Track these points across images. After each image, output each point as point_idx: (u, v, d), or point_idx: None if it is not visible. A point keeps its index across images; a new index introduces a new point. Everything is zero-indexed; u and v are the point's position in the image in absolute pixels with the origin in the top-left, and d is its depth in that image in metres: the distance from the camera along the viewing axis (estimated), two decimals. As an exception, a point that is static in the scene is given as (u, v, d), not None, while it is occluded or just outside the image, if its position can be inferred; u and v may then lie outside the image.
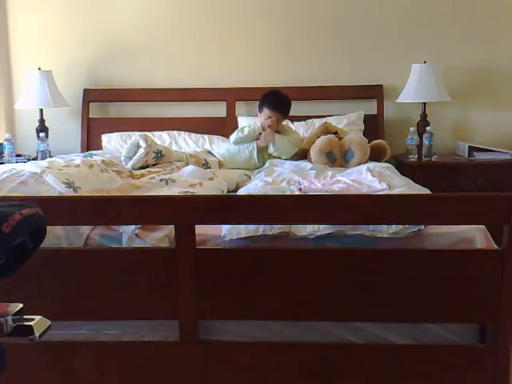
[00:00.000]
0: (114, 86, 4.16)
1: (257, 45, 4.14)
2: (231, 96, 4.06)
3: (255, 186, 2.69)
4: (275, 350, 2.06)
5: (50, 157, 3.66)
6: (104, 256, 2.07)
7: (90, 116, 4.17)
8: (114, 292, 2.04)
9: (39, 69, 4.01)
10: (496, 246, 2.07)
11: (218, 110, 4.10)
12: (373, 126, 3.95)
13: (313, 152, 3.35)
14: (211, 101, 4.12)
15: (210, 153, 3.64)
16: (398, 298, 1.98)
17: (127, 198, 2.16)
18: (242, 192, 2.66)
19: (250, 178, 3.15)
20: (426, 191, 2.51)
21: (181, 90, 4.08)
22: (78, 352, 2.09)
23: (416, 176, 3.33)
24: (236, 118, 4.05)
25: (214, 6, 4.13)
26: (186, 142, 3.88)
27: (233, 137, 3.59)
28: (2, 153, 3.91)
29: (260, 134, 3.54)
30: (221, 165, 3.46)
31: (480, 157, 3.84)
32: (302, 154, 3.52)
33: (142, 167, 3.20)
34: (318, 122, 3.81)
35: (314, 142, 3.40)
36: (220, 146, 3.76)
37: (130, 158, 3.23)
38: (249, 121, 3.79)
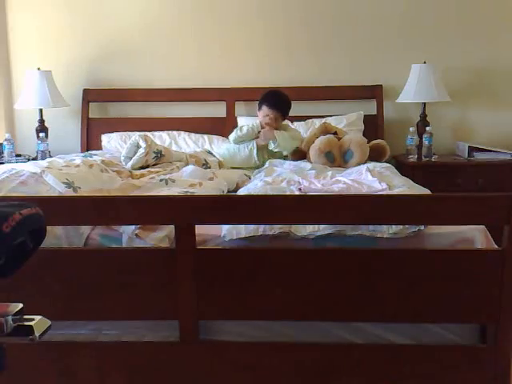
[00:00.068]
0: (114, 86, 4.16)
1: (257, 45, 4.14)
2: (231, 96, 4.07)
3: (255, 186, 2.68)
4: (275, 350, 2.06)
5: (50, 157, 3.66)
6: (104, 256, 2.07)
7: (90, 116, 4.17)
8: (114, 292, 2.04)
9: (39, 69, 4.01)
10: (496, 246, 2.07)
11: (217, 110, 4.10)
12: (372, 126, 3.96)
13: (312, 152, 3.35)
14: (211, 101, 4.12)
15: (209, 153, 3.64)
16: (398, 298, 1.98)
17: (127, 198, 2.16)
18: (241, 192, 2.66)
19: (249, 178, 3.15)
20: (426, 191, 2.51)
21: (181, 90, 4.08)
22: (78, 352, 2.09)
23: (416, 176, 3.33)
24: (236, 118, 4.05)
25: (214, 7, 4.13)
26: (185, 142, 3.88)
27: (232, 136, 3.59)
28: (2, 153, 3.91)
29: (259, 132, 3.54)
30: (221, 165, 3.46)
31: (480, 157, 3.84)
32: (301, 154, 3.52)
33: (142, 167, 3.19)
34: (318, 122, 3.81)
35: (313, 142, 3.40)
36: (220, 146, 3.77)
37: (130, 158, 3.23)
38: (249, 121, 3.79)
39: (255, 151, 3.51)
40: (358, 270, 1.99)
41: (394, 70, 4.06)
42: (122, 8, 4.15)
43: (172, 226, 2.05)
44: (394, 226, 2.05)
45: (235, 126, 3.86)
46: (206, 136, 3.93)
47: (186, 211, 1.95)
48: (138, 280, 2.02)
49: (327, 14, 4.10)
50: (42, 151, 3.87)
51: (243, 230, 2.09)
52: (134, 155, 3.23)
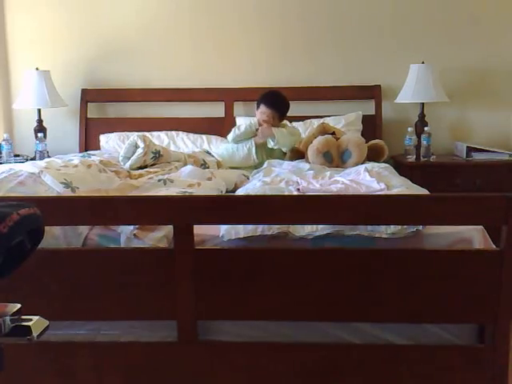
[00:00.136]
0: (112, 86, 4.16)
1: (256, 45, 4.14)
2: (229, 96, 4.07)
3: (254, 186, 2.68)
4: (274, 350, 2.06)
5: (48, 157, 3.66)
6: (102, 256, 2.07)
7: (88, 116, 4.17)
8: (113, 292, 2.03)
9: (37, 69, 4.01)
10: (494, 247, 2.07)
11: (216, 110, 4.10)
12: (371, 127, 3.96)
13: (310, 152, 3.34)
14: (209, 101, 4.12)
15: (208, 153, 3.64)
16: (397, 298, 1.98)
17: (125, 199, 2.15)
18: (240, 192, 2.66)
19: (248, 179, 3.15)
20: (425, 191, 2.52)
21: (179, 90, 4.08)
22: (76, 352, 2.09)
23: (414, 176, 3.34)
24: (234, 118, 4.05)
25: (212, 7, 4.13)
26: (184, 143, 3.88)
27: (230, 135, 3.60)
28: (0, 153, 3.91)
29: (257, 129, 3.55)
30: (219, 165, 3.46)
31: (478, 157, 3.85)
32: (299, 154, 3.52)
33: (140, 167, 3.19)
34: (316, 123, 3.81)
35: (311, 143, 3.40)
36: (218, 147, 3.77)
37: (128, 158, 3.23)
38: (247, 121, 3.78)
39: (254, 149, 3.51)
40: (357, 270, 1.99)
41: (393, 70, 4.06)
42: (120, 8, 4.15)
43: (170, 226, 2.05)
44: (392, 226, 2.05)
45: (234, 126, 3.85)
46: (204, 136, 3.93)
47: (185, 211, 1.95)
48: (136, 280, 2.02)
49: (325, 14, 4.10)
50: (40, 151, 3.87)
51: (242, 230, 2.09)
52: (132, 155, 3.23)
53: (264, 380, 2.07)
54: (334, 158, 3.31)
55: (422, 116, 3.97)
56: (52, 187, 2.50)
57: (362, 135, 3.67)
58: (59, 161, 3.00)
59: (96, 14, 4.17)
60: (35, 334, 0.93)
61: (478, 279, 1.96)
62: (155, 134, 3.89)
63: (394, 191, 2.47)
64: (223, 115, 4.08)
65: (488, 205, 1.93)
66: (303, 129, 3.84)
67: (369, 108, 4.05)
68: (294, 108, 3.71)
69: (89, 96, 4.15)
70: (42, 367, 2.09)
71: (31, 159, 3.80)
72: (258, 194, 2.43)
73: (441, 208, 1.95)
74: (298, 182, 2.70)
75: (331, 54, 4.12)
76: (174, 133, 3.95)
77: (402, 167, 3.70)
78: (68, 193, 2.46)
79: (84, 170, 2.81)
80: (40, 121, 4.06)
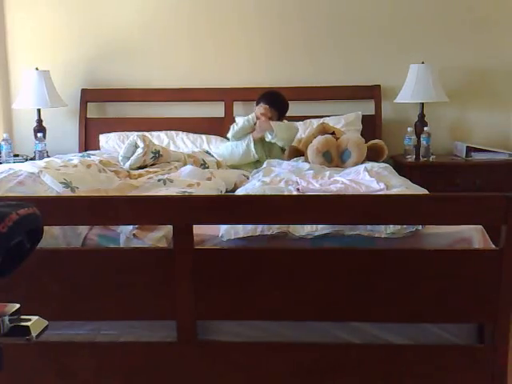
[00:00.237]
0: (112, 85, 4.16)
1: (256, 45, 4.14)
2: (229, 96, 4.07)
3: (253, 186, 2.68)
4: (273, 350, 2.06)
5: (48, 157, 3.66)
6: (102, 256, 2.07)
7: (88, 116, 4.17)
8: (112, 292, 2.03)
9: (37, 69, 4.00)
10: (494, 246, 2.07)
11: (216, 110, 4.10)
12: (371, 127, 3.96)
13: (310, 152, 3.34)
14: (209, 101, 4.12)
15: (208, 153, 3.64)
16: (396, 298, 1.98)
17: (125, 198, 2.15)
18: (240, 192, 2.66)
19: (248, 179, 3.15)
20: (424, 191, 2.51)
21: (179, 90, 4.08)
22: (75, 352, 2.09)
23: (414, 176, 3.34)
24: (234, 118, 4.04)
25: (213, 7, 4.13)
26: (183, 142, 3.88)
27: (230, 133, 3.61)
28: (0, 153, 3.90)
29: (255, 124, 3.55)
30: (219, 165, 3.46)
31: (478, 157, 3.85)
32: (297, 153, 3.52)
33: (140, 167, 3.19)
34: (316, 123, 3.81)
35: (311, 142, 3.40)
36: (218, 147, 3.77)
37: (128, 158, 3.23)
38: (246, 119, 3.80)
39: (252, 145, 3.52)
40: (356, 270, 1.99)
41: (392, 70, 4.06)
42: (120, 7, 4.15)
43: (170, 226, 2.04)
44: (391, 226, 2.05)
45: (233, 125, 3.86)
46: (204, 136, 3.93)
47: (184, 211, 1.95)
48: (135, 280, 2.02)
49: (325, 14, 4.10)
50: (39, 151, 3.87)
51: (241, 230, 2.09)
52: (131, 155, 3.23)
53: (263, 380, 2.07)
54: (334, 158, 3.30)
55: (421, 116, 3.96)
56: (51, 187, 2.50)
57: (362, 135, 3.66)
58: (59, 161, 3.00)
59: (96, 13, 4.17)
60: (34, 334, 0.92)
61: (478, 279, 1.96)
62: (155, 133, 3.89)
63: (394, 191, 2.47)
64: (223, 115, 4.08)
65: (488, 204, 1.93)
66: (303, 129, 3.83)
67: (368, 108, 4.05)
68: (294, 108, 3.71)
69: (88, 96, 4.15)
70: (42, 367, 2.09)
71: (31, 159, 3.80)
72: (258, 193, 2.43)
73: (440, 208, 1.95)
74: (297, 182, 2.70)
75: (331, 53, 4.12)
76: (173, 133, 3.95)
77: (401, 167, 3.70)
78: (67, 193, 2.46)
79: (83, 170, 2.81)
80: (40, 121, 4.06)
